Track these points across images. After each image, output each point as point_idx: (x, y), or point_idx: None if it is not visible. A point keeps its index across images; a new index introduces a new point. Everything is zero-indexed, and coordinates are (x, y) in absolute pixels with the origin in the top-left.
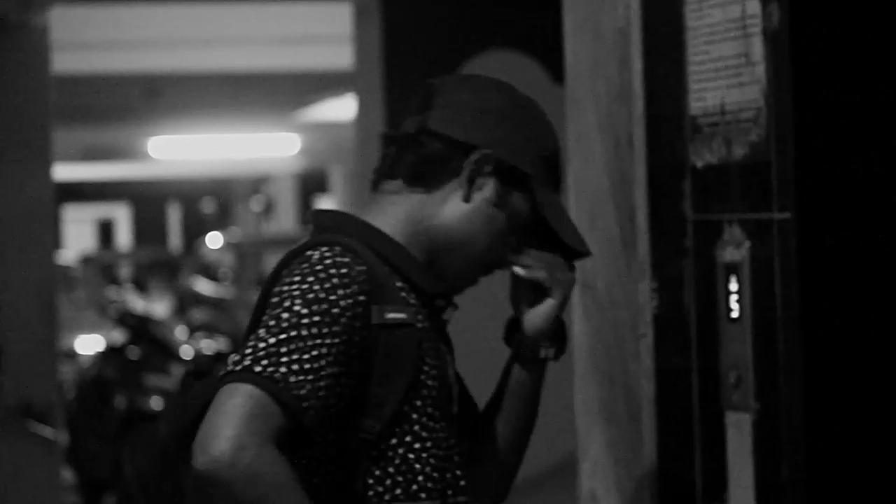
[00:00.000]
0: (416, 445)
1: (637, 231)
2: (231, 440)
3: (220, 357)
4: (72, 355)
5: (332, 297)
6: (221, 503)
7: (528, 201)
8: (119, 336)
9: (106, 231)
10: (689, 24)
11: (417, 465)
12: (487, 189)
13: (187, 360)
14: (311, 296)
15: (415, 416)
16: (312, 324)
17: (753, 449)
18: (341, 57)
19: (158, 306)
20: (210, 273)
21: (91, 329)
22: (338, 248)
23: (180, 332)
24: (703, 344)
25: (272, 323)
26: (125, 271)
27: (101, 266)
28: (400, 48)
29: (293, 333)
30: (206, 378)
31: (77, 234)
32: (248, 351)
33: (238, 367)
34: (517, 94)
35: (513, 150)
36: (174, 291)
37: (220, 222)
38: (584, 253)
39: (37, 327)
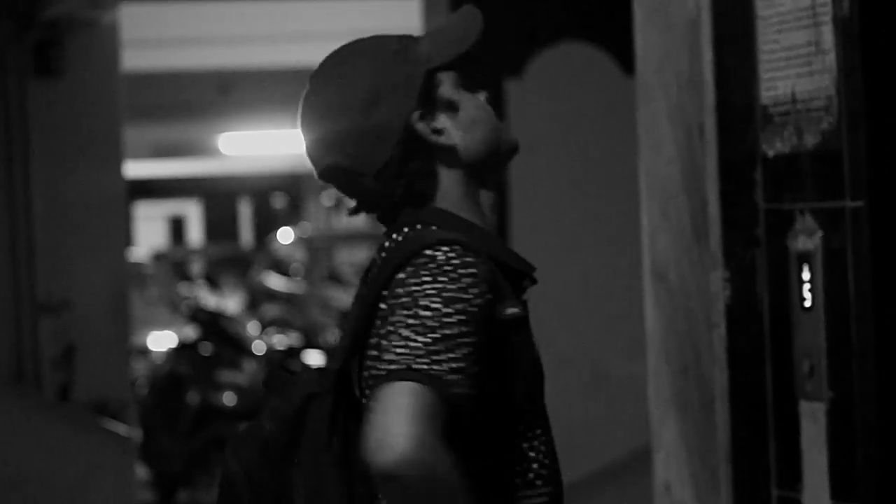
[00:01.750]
0: (529, 434)
1: (709, 221)
2: (414, 439)
3: (292, 352)
4: (144, 352)
5: (467, 296)
6: (403, 499)
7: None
8: (191, 332)
9: (177, 227)
10: (760, 13)
11: (532, 454)
12: (439, 125)
13: (259, 356)
14: (448, 294)
15: (528, 406)
16: (457, 322)
17: (827, 438)
18: None
19: (230, 302)
20: (281, 268)
21: (163, 326)
22: (458, 248)
23: (252, 327)
24: (775, 333)
25: (414, 322)
26: (197, 267)
27: (173, 262)
28: None
29: (445, 332)
30: (303, 372)
31: (149, 231)
32: (401, 350)
33: (395, 367)
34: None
35: (398, 103)
36: (246, 287)
37: (291, 218)
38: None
39: (109, 325)
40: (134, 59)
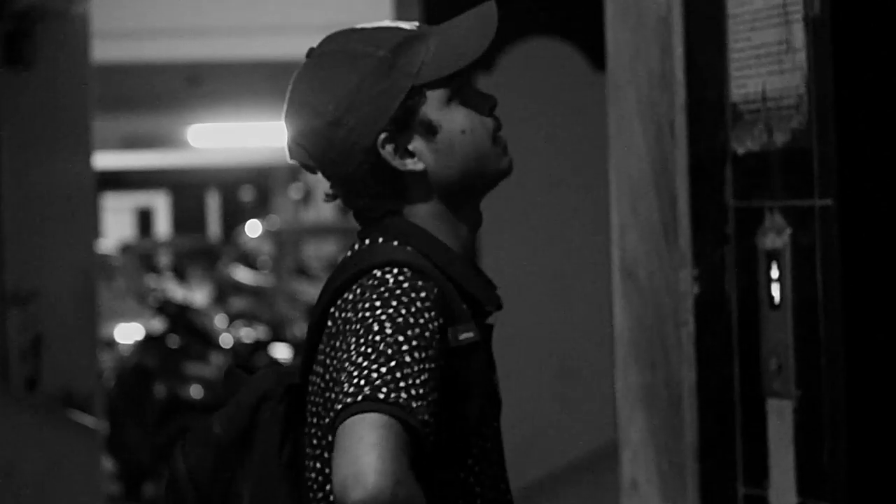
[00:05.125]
0: (477, 468)
1: (678, 218)
2: (385, 474)
3: (259, 346)
4: (111, 344)
5: (421, 321)
6: None
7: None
8: (159, 324)
9: (145, 219)
10: (731, 11)
11: (478, 488)
12: (417, 144)
13: (227, 349)
14: (400, 320)
15: (479, 434)
16: (412, 349)
17: (794, 436)
18: None
19: (198, 295)
20: (249, 261)
21: (131, 317)
22: (407, 271)
23: (220, 320)
24: (744, 331)
25: (369, 350)
26: (164, 260)
27: (141, 254)
28: None
29: (401, 360)
30: (254, 372)
31: (116, 223)
32: (360, 381)
33: (358, 398)
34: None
35: (367, 121)
36: (213, 280)
37: (259, 210)
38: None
39: (77, 316)
40: (104, 50)
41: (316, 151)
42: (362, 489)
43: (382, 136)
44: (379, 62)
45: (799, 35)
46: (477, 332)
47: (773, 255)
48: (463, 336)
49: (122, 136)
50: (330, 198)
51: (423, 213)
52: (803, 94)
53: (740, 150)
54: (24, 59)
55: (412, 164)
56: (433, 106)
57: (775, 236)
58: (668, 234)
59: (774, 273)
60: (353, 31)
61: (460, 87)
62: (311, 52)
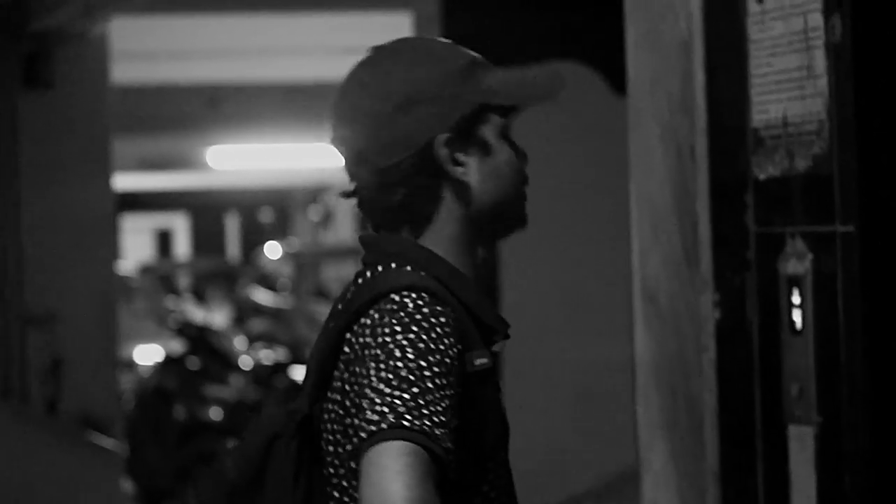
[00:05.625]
0: (492, 494)
1: (700, 243)
2: (415, 502)
3: (278, 367)
4: (131, 365)
5: (442, 347)
6: None
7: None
8: (178, 346)
9: (164, 241)
10: (752, 37)
11: None
12: (463, 162)
13: (246, 371)
14: (422, 346)
15: (491, 461)
16: (434, 375)
17: (815, 461)
18: None
19: (217, 316)
20: (268, 283)
21: (150, 339)
22: (426, 296)
23: (239, 342)
24: (765, 356)
25: (390, 376)
26: (184, 281)
27: (160, 276)
28: None
29: (423, 386)
30: (267, 412)
31: (136, 244)
32: (384, 409)
33: (383, 426)
34: (365, 76)
35: (435, 118)
36: (232, 301)
37: (279, 232)
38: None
39: (97, 338)
40: (123, 72)
41: (369, 134)
42: None
43: (444, 136)
44: (459, 68)
45: (820, 61)
46: (491, 358)
47: (794, 281)
48: (478, 362)
49: (141, 157)
50: (347, 195)
51: (449, 230)
52: (824, 120)
53: (762, 176)
54: (44, 81)
55: (460, 173)
56: (490, 130)
57: (797, 262)
58: (690, 259)
59: (796, 298)
60: (432, 39)
61: (509, 126)
62: (379, 47)
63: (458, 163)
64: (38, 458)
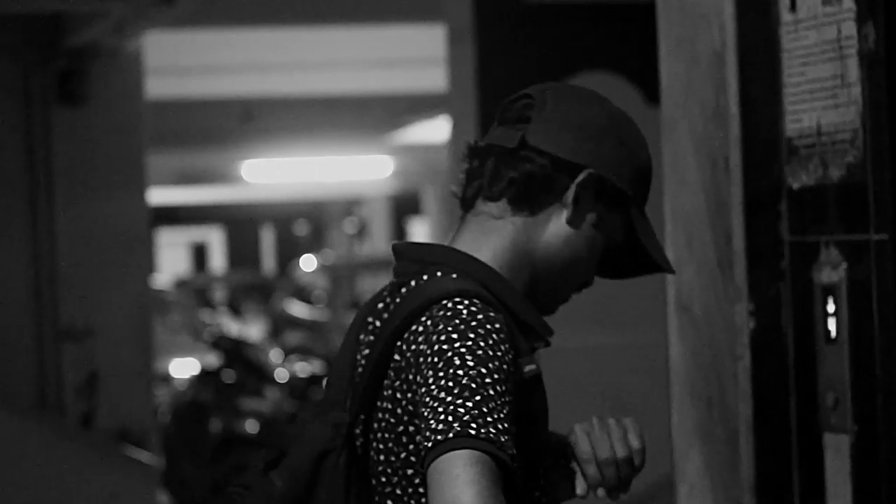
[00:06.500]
0: (543, 500)
1: (734, 253)
2: None
3: (314, 380)
4: (167, 379)
5: (499, 353)
6: None
7: (623, 222)
8: (214, 359)
9: (200, 254)
10: (785, 46)
11: None
12: (590, 211)
13: (282, 383)
14: (480, 353)
15: (541, 469)
16: (494, 382)
17: (852, 471)
18: (434, 79)
19: (252, 329)
20: (304, 296)
21: (186, 352)
22: (478, 302)
23: (275, 355)
24: (800, 365)
25: (451, 384)
26: (219, 294)
27: (196, 289)
28: (493, 70)
29: (485, 393)
30: (312, 425)
31: (171, 258)
32: (448, 417)
33: (451, 434)
34: (613, 107)
35: (614, 169)
36: (268, 314)
37: (314, 245)
38: (669, 271)
39: (132, 352)
40: (157, 87)
41: (570, 135)
42: None
43: (591, 174)
44: (628, 138)
45: (854, 70)
46: (537, 364)
47: (829, 290)
48: (528, 368)
49: (176, 171)
50: (486, 150)
51: (514, 237)
52: (858, 129)
53: (795, 185)
54: (78, 97)
55: (572, 213)
56: (614, 219)
57: (831, 271)
58: (724, 268)
59: (831, 307)
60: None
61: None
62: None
63: (580, 206)
64: (74, 472)
